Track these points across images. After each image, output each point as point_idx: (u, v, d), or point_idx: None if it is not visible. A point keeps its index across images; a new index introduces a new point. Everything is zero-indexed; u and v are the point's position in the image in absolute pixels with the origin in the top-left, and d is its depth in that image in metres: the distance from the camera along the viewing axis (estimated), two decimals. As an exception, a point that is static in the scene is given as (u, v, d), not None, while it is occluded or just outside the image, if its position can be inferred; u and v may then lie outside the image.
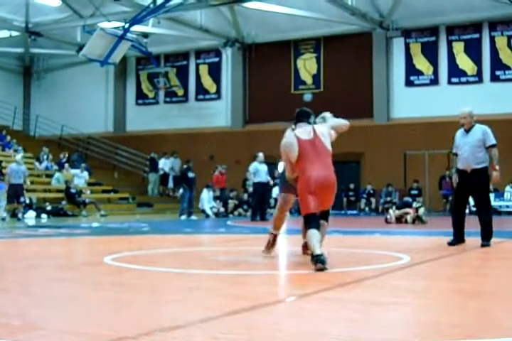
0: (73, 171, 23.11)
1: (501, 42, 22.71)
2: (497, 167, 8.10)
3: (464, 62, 23.15)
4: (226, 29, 25.47)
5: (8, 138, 25.13)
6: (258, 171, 17.23)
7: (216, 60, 26.93)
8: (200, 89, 27.08)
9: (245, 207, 21.87)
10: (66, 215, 19.45)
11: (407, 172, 22.67)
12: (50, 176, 22.48)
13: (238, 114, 26.22)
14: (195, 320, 3.51)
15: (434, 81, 23.54)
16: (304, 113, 6.47)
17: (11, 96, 28.63)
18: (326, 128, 6.40)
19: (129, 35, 20.13)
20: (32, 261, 6.93)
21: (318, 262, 5.54)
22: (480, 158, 8.12)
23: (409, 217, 15.45)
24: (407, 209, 15.65)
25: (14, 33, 25.73)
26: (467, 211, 8.77)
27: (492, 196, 18.26)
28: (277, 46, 25.59)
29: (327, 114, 6.75)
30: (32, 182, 21.73)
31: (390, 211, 16.03)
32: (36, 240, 10.32)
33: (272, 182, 18.95)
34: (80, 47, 22.37)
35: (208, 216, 20.02)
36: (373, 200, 23.42)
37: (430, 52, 23.64)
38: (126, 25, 19.84)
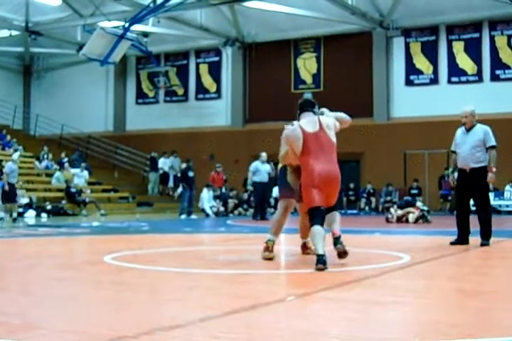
0: (73, 170, 23.10)
1: (501, 41, 22.71)
2: (494, 169, 8.08)
3: (464, 62, 23.14)
4: (226, 28, 25.47)
5: (8, 137, 25.13)
6: (259, 171, 17.21)
7: (216, 59, 26.92)
8: (200, 89, 27.07)
9: (245, 206, 21.87)
10: (66, 214, 19.44)
11: (407, 172, 22.67)
12: (50, 175, 22.49)
13: (238, 113, 26.22)
14: (195, 319, 3.51)
15: (434, 80, 23.54)
16: (308, 102, 6.37)
17: (11, 96, 28.63)
18: (332, 119, 6.29)
19: (129, 34, 20.11)
20: (32, 260, 6.93)
21: (320, 262, 5.54)
22: (479, 157, 8.11)
23: (411, 217, 15.35)
24: (410, 209, 15.56)
25: (14, 32, 25.72)
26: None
27: (492, 195, 18.27)
28: (277, 45, 25.58)
29: (325, 110, 6.62)
30: (32, 182, 21.77)
31: (392, 210, 15.95)
32: (36, 239, 10.33)
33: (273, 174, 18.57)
34: (80, 47, 22.38)
35: (207, 215, 20.02)
36: (373, 200, 23.43)
37: (430, 52, 23.63)
38: (126, 25, 19.81)
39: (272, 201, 20.02)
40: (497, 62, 22.66)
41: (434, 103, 22.85)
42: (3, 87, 29.01)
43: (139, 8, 20.91)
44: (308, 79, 25.36)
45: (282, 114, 21.65)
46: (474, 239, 8.13)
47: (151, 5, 20.29)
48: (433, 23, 23.46)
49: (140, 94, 28.26)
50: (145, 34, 25.03)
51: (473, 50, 22.99)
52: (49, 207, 19.48)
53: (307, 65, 25.42)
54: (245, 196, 22.17)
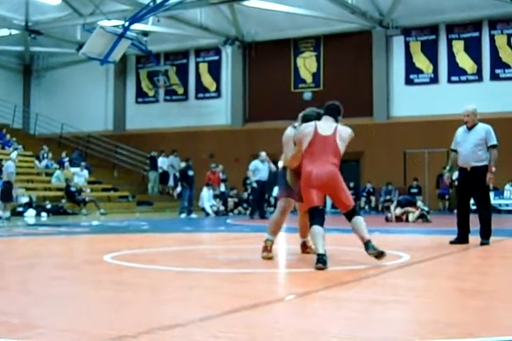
0: (73, 169, 23.08)
1: (501, 40, 22.70)
2: (493, 168, 8.07)
3: (464, 61, 23.13)
4: (226, 27, 25.46)
5: (8, 136, 25.13)
6: (258, 170, 17.22)
7: (216, 58, 26.91)
8: (200, 88, 27.06)
9: (245, 205, 21.88)
10: (66, 213, 19.44)
11: (406, 171, 22.67)
12: (50, 174, 22.47)
13: (238, 112, 26.21)
14: (195, 319, 3.50)
15: (434, 79, 23.53)
16: (336, 108, 6.31)
17: (10, 95, 28.62)
18: (349, 131, 6.21)
19: (128, 33, 20.06)
20: (31, 259, 6.92)
21: (319, 262, 5.56)
22: (480, 156, 8.10)
23: (411, 216, 15.33)
24: (410, 208, 15.53)
25: (14, 32, 25.71)
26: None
27: (492, 194, 18.26)
28: (277, 44, 25.57)
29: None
30: (32, 181, 21.77)
31: (391, 207, 15.91)
32: (36, 238, 10.32)
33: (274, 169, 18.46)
34: (80, 46, 22.37)
35: (207, 214, 20.01)
36: (373, 199, 23.43)
37: (430, 51, 23.63)
38: (126, 24, 19.77)
39: (272, 200, 20.02)
40: (497, 61, 22.65)
41: (433, 102, 22.84)
42: (3, 86, 28.99)
43: (139, 7, 20.89)
44: (308, 79, 25.35)
45: (282, 113, 21.73)
46: (474, 238, 8.13)
47: (151, 4, 20.26)
48: (433, 22, 23.45)
49: (140, 93, 28.25)
50: (145, 33, 25.00)
51: (473, 49, 22.99)
52: (49, 206, 19.47)
53: (307, 64, 25.41)
54: (245, 195, 22.16)
